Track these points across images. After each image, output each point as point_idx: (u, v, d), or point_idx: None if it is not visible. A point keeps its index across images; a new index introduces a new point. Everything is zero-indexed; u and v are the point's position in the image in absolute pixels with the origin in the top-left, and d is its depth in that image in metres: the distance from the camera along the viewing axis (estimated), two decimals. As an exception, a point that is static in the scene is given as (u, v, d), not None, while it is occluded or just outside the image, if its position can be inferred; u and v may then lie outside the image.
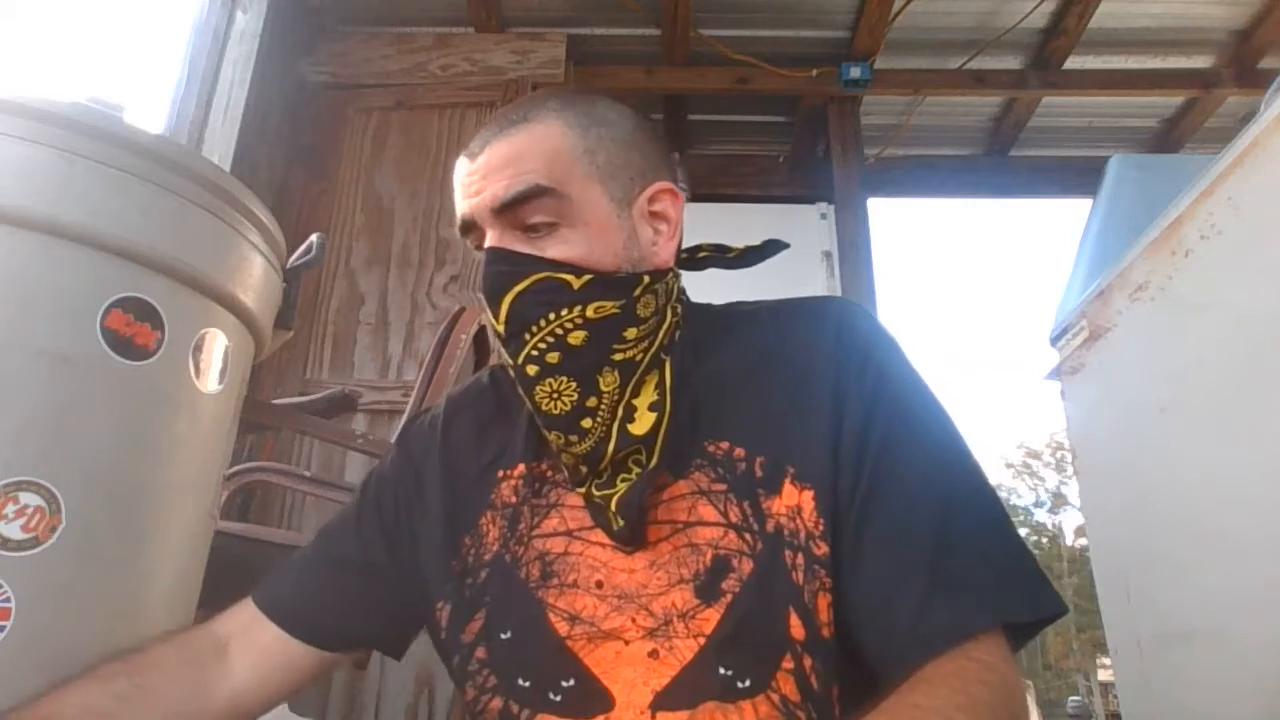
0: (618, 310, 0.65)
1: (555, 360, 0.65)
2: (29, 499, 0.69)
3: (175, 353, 0.81)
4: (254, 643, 0.74)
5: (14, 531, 0.68)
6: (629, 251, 0.68)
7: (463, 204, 0.69)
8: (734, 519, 0.64)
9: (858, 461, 0.62)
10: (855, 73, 2.93)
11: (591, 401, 0.65)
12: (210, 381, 0.86)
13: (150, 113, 2.21)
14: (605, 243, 0.67)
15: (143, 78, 2.50)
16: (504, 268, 0.66)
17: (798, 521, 0.62)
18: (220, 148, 2.26)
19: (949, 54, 3.03)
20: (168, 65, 2.30)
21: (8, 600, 0.67)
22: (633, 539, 0.65)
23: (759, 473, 0.65)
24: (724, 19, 2.89)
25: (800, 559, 0.61)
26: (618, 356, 0.66)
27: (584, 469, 0.67)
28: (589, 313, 0.65)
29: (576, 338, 0.65)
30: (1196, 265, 1.28)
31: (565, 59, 2.69)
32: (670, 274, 0.71)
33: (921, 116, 3.27)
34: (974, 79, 3.05)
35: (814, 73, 2.96)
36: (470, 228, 0.69)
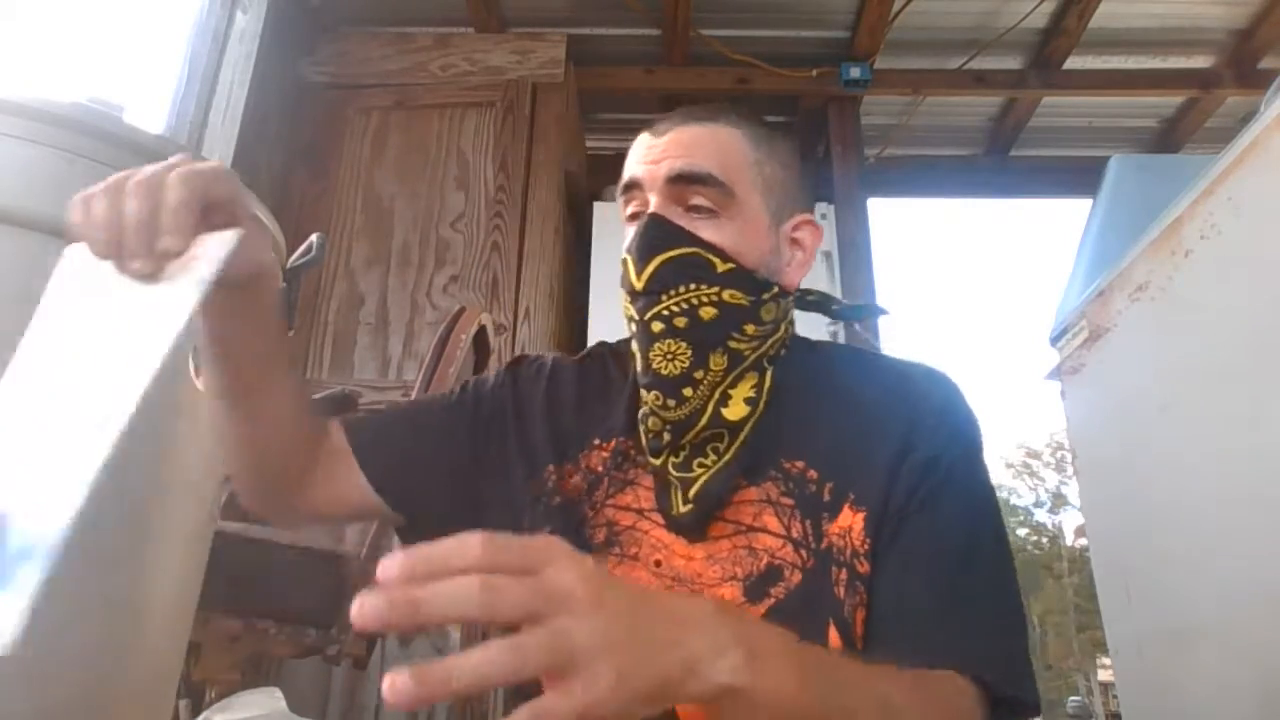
0: (746, 304, 0.71)
1: (682, 325, 0.69)
2: (29, 499, 0.69)
3: (175, 353, 0.81)
4: (337, 469, 0.76)
5: (14, 531, 0.68)
6: (769, 260, 0.74)
7: (637, 168, 0.74)
8: (795, 534, 0.68)
9: (909, 491, 0.67)
10: (855, 73, 2.92)
11: (699, 374, 0.69)
12: (210, 381, 0.85)
13: (150, 113, 2.21)
14: (752, 244, 0.73)
15: (143, 78, 2.49)
16: (661, 234, 0.71)
17: (847, 540, 0.67)
18: (220, 148, 2.26)
19: (949, 54, 3.02)
20: (168, 65, 2.30)
21: (8, 600, 0.67)
22: (695, 528, 0.69)
23: (826, 497, 0.69)
24: (724, 19, 2.89)
25: (844, 575, 0.66)
26: (732, 344, 0.71)
27: (668, 437, 0.70)
28: (724, 295, 0.70)
29: (707, 312, 0.69)
30: (1196, 265, 1.28)
31: (565, 59, 2.68)
32: (791, 297, 0.77)
33: (921, 116, 3.27)
34: (974, 79, 3.04)
35: (814, 73, 2.96)
36: (632, 189, 0.74)
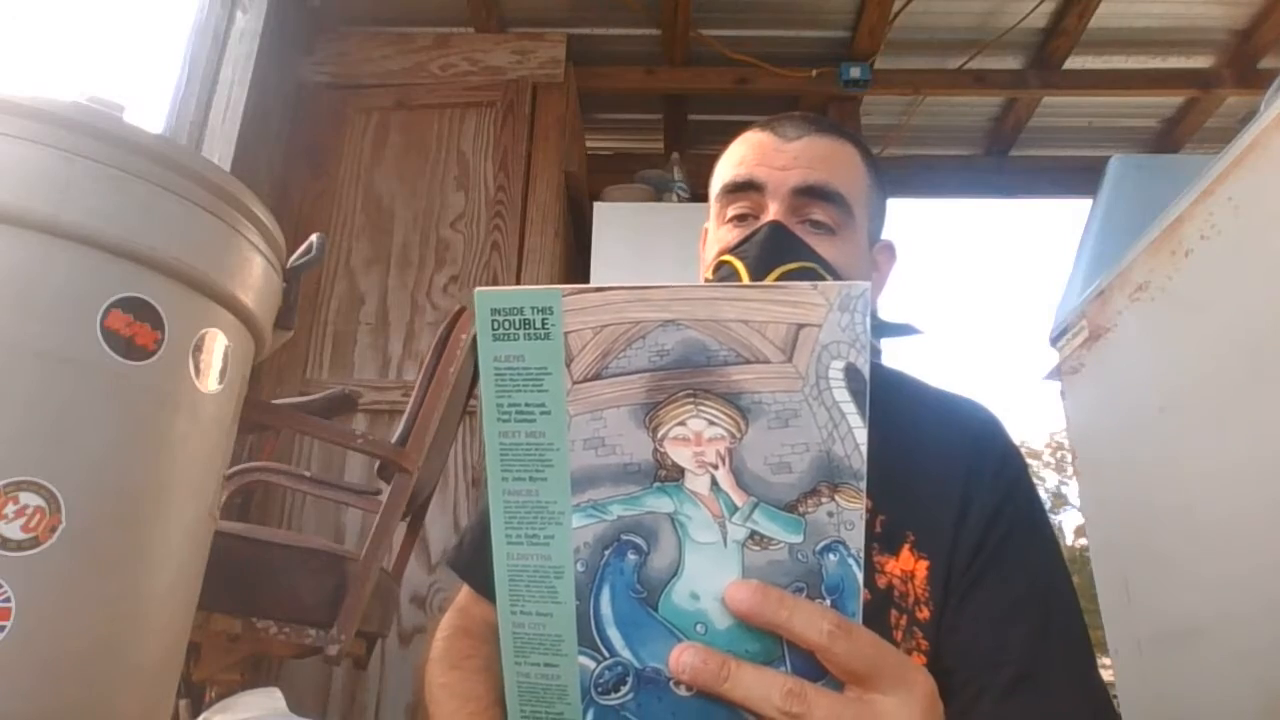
0: None
1: None
2: (29, 499, 0.69)
3: (175, 353, 0.81)
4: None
5: (14, 531, 0.68)
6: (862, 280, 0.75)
7: (758, 170, 0.73)
8: None
9: (978, 544, 0.66)
10: (855, 73, 2.93)
11: None
12: (210, 381, 0.86)
13: (150, 113, 2.21)
14: (855, 264, 0.73)
15: (143, 78, 2.49)
16: (785, 244, 0.70)
17: (909, 586, 0.66)
18: (220, 148, 2.26)
19: (949, 54, 3.03)
20: (168, 65, 2.30)
21: (8, 600, 0.67)
22: None
23: (877, 529, 0.67)
24: (724, 19, 2.89)
25: (904, 620, 0.65)
26: None
27: None
28: None
29: None
30: (1196, 265, 1.28)
31: (565, 59, 2.69)
32: None
33: (921, 116, 3.27)
34: (974, 79, 3.04)
35: (814, 73, 2.96)
36: (747, 189, 0.73)
